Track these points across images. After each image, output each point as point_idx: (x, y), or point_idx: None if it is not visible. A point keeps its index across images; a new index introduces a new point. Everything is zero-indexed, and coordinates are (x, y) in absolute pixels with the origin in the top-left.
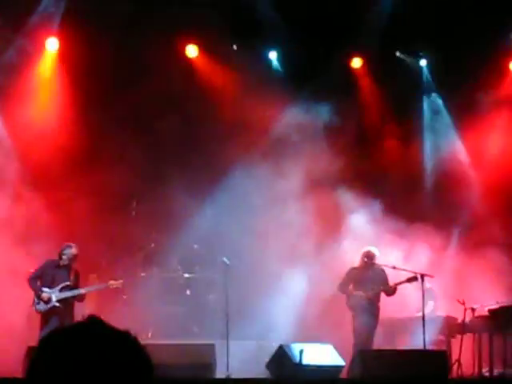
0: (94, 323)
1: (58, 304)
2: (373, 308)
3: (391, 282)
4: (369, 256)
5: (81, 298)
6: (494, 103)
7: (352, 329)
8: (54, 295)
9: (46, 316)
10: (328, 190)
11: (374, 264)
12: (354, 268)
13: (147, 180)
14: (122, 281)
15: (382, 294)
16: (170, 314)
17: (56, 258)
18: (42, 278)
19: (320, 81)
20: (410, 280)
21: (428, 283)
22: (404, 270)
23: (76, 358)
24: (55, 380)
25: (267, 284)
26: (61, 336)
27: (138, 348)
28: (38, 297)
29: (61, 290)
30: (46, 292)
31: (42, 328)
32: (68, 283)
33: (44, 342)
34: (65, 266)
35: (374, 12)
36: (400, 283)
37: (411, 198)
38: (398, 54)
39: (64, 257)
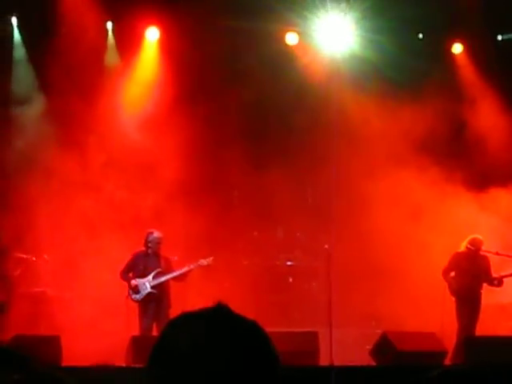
0: (221, 309)
1: (153, 290)
2: (475, 296)
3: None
4: (475, 243)
5: (181, 279)
6: None
7: (455, 315)
8: (147, 283)
9: (143, 304)
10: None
11: (479, 253)
12: (458, 253)
13: (249, 169)
14: (212, 258)
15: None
16: (273, 302)
17: (142, 248)
18: (133, 271)
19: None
20: None
21: None
22: (508, 256)
23: (201, 343)
24: (179, 366)
25: (371, 271)
26: (189, 321)
27: (264, 336)
28: (132, 287)
29: (154, 277)
30: (140, 281)
31: (141, 317)
32: (159, 269)
33: (170, 327)
34: (153, 253)
35: None
36: (504, 276)
37: None
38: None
39: (150, 244)
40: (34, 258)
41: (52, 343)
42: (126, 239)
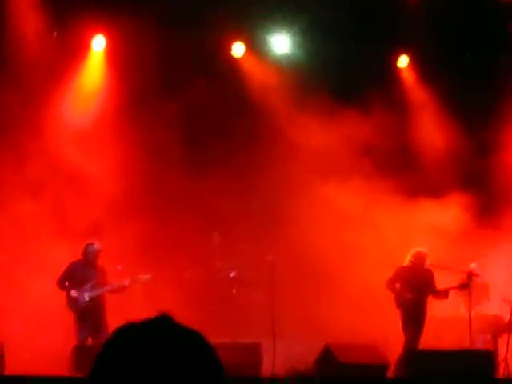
0: (164, 320)
1: (90, 302)
2: (419, 309)
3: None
4: (418, 257)
5: (119, 291)
6: None
7: (401, 327)
8: (86, 294)
9: (80, 315)
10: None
11: (423, 266)
12: (402, 267)
13: (191, 179)
14: (151, 274)
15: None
16: (217, 313)
17: (80, 257)
18: (70, 280)
19: None
20: (461, 287)
21: (480, 276)
22: (449, 268)
23: (145, 353)
24: (123, 376)
25: (314, 281)
26: (132, 331)
27: (209, 346)
28: (71, 297)
29: (91, 288)
30: (78, 292)
31: (78, 327)
32: (95, 281)
33: (113, 337)
34: (90, 263)
35: None
36: (450, 288)
37: None
38: None
39: (88, 255)
40: None
41: None
42: (64, 248)
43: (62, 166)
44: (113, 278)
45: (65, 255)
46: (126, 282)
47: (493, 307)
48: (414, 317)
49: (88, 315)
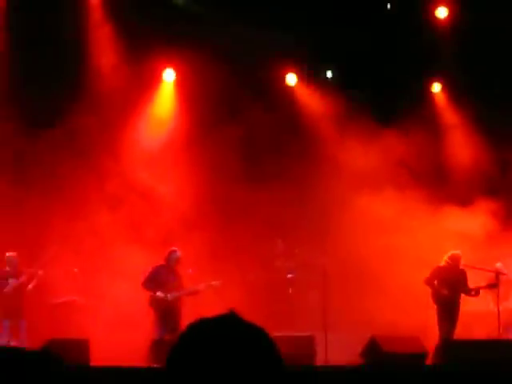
0: (233, 316)
1: (171, 302)
2: (454, 305)
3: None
4: (454, 258)
5: (193, 294)
6: None
7: (437, 321)
8: (169, 295)
9: (162, 313)
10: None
11: (458, 267)
12: (439, 267)
13: (251, 192)
14: (220, 281)
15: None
16: (276, 310)
17: (162, 262)
18: (154, 282)
19: None
20: (490, 286)
21: (508, 273)
22: (480, 269)
23: (214, 344)
24: (195, 363)
25: (359, 281)
26: (205, 325)
27: (270, 340)
28: (154, 297)
29: (173, 291)
30: (161, 293)
31: (159, 324)
32: (177, 284)
33: (188, 330)
34: (171, 268)
35: None
36: (481, 287)
37: None
38: None
39: (170, 261)
40: (40, 272)
41: (82, 346)
42: (139, 255)
43: (137, 184)
44: (186, 282)
45: (140, 261)
46: (201, 287)
47: None
48: (449, 311)
49: (168, 314)
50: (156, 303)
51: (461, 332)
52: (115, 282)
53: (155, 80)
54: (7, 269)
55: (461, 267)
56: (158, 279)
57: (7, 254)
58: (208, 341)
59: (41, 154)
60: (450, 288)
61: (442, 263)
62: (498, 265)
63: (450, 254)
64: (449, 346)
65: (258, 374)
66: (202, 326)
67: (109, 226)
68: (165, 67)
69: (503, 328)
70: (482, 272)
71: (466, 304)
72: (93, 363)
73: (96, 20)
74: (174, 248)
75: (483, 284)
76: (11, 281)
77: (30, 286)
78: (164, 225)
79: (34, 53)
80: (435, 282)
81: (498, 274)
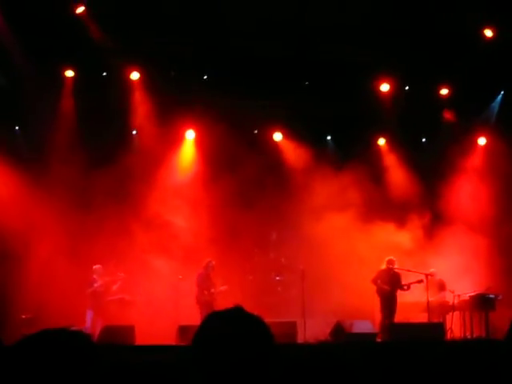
0: (238, 309)
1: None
2: (392, 297)
3: (405, 281)
4: (390, 262)
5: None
6: None
7: (379, 309)
8: (208, 293)
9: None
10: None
11: (393, 268)
12: (381, 270)
13: (246, 216)
14: (227, 286)
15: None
16: (268, 303)
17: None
18: (200, 285)
19: None
20: (417, 282)
21: (438, 276)
22: (410, 270)
23: (229, 330)
24: (212, 343)
25: (330, 281)
26: (219, 316)
27: (265, 325)
28: (201, 296)
29: (212, 290)
30: (207, 293)
31: (202, 313)
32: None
33: (207, 319)
34: (209, 274)
35: None
36: (410, 283)
37: None
38: None
39: (209, 268)
40: (123, 275)
41: (129, 331)
42: (168, 264)
43: (166, 212)
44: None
45: (167, 268)
46: (223, 288)
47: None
48: (388, 302)
49: (209, 307)
50: (202, 300)
51: (401, 317)
52: (151, 283)
53: (180, 138)
54: (94, 277)
55: (395, 269)
56: (202, 283)
57: (94, 267)
58: (221, 327)
59: (98, 189)
60: (389, 285)
61: (383, 266)
62: (432, 270)
63: (387, 259)
64: (393, 327)
65: (258, 349)
66: (216, 317)
67: (145, 243)
68: (187, 128)
69: (431, 314)
70: (416, 274)
71: (406, 297)
72: (137, 343)
73: (136, 94)
74: (209, 259)
75: (413, 281)
76: (96, 284)
77: (115, 287)
78: (185, 242)
79: (94, 116)
80: (379, 281)
81: (427, 275)
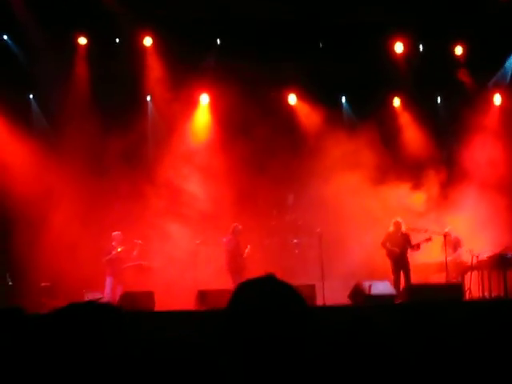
0: (270, 276)
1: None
2: (403, 259)
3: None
4: (397, 225)
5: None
6: None
7: (391, 271)
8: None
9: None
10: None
11: (400, 230)
12: (389, 232)
13: (262, 178)
14: (249, 247)
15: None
16: (286, 266)
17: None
18: (228, 252)
19: None
20: (426, 240)
21: (454, 234)
22: (417, 230)
23: (260, 295)
24: (248, 310)
25: (347, 243)
26: (253, 284)
27: (293, 288)
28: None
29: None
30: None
31: (235, 280)
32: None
33: (240, 289)
34: (237, 238)
35: None
36: (419, 243)
37: None
38: None
39: (236, 233)
40: (141, 242)
41: (149, 296)
42: (183, 230)
43: (180, 178)
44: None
45: (182, 234)
46: (248, 250)
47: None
48: (399, 264)
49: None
50: (234, 266)
51: (419, 278)
52: (168, 249)
53: (194, 103)
54: (114, 244)
55: (403, 230)
56: (231, 247)
57: (113, 233)
58: (255, 294)
59: (112, 155)
60: (398, 246)
61: (391, 229)
62: (447, 228)
63: (394, 221)
64: (411, 288)
65: (289, 310)
66: (250, 285)
67: (161, 209)
68: (201, 93)
69: (449, 274)
70: (433, 233)
71: (423, 258)
72: (157, 309)
73: (149, 60)
74: (235, 224)
75: (422, 239)
76: (114, 251)
77: (135, 253)
78: (201, 207)
79: (107, 83)
80: (387, 244)
81: (445, 235)
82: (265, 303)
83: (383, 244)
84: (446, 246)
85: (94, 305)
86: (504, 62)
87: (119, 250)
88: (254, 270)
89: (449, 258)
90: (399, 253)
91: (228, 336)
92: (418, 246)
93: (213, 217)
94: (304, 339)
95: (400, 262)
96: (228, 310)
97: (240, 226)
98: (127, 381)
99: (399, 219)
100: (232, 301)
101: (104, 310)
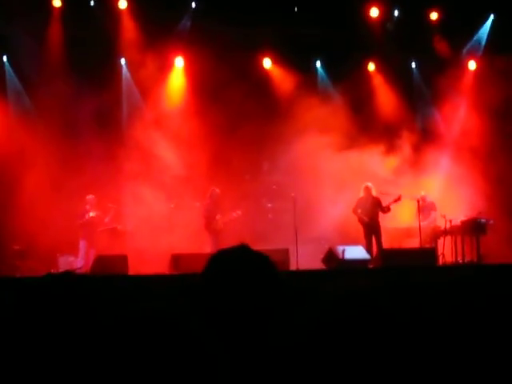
0: (243, 247)
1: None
2: (374, 223)
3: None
4: (367, 189)
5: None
6: None
7: (363, 237)
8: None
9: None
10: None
11: (371, 194)
12: (360, 198)
13: (242, 150)
14: (240, 212)
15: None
16: (260, 230)
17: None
18: (208, 215)
19: None
20: (395, 201)
21: (429, 199)
22: (387, 193)
23: (234, 263)
24: (222, 275)
25: (321, 207)
26: (226, 253)
27: (266, 257)
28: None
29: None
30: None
31: (213, 242)
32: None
33: (217, 255)
34: (215, 203)
35: None
36: (389, 204)
37: None
38: None
39: (214, 197)
40: (114, 206)
41: (122, 260)
42: (157, 193)
43: (153, 140)
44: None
45: (156, 196)
46: (235, 214)
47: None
48: (370, 230)
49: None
50: (212, 228)
51: (393, 243)
52: (142, 213)
53: (169, 66)
54: (87, 207)
55: (374, 195)
56: (209, 212)
57: (87, 197)
58: (229, 261)
59: (86, 118)
60: (368, 212)
61: (361, 194)
62: (422, 193)
63: (363, 186)
64: (384, 253)
65: (261, 276)
66: (224, 254)
67: (134, 173)
68: (176, 55)
69: (423, 239)
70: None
71: (397, 223)
72: (130, 273)
73: (124, 23)
74: (213, 187)
75: (390, 201)
76: (87, 215)
77: (107, 219)
78: (175, 172)
79: (82, 46)
80: (358, 211)
81: (417, 200)
82: (238, 273)
83: (354, 210)
84: (419, 210)
85: (69, 275)
86: (479, 28)
87: (92, 214)
88: (229, 235)
89: (423, 223)
90: (368, 221)
91: (201, 304)
92: (388, 208)
93: (186, 181)
94: (274, 309)
95: (371, 228)
96: (202, 278)
97: (217, 190)
98: (98, 351)
99: (369, 184)
100: (206, 270)
101: (80, 281)
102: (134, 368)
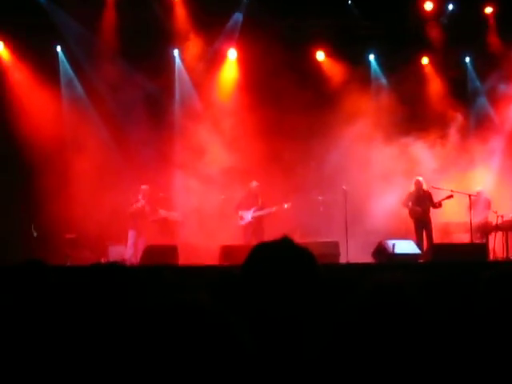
0: (285, 239)
1: (252, 220)
2: (425, 218)
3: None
4: (417, 183)
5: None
6: None
7: (414, 232)
8: (249, 215)
9: (246, 227)
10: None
11: (422, 189)
12: (410, 192)
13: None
14: (290, 203)
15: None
16: (311, 223)
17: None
18: (241, 206)
19: None
20: (447, 197)
21: (484, 195)
22: (440, 188)
23: (276, 255)
24: (263, 269)
25: (371, 200)
26: (266, 246)
27: (308, 251)
28: (240, 216)
29: (254, 211)
30: (244, 213)
31: (245, 235)
32: (256, 207)
33: (258, 248)
34: (253, 195)
35: None
36: (441, 200)
37: None
38: None
39: (252, 189)
40: (165, 196)
41: (172, 251)
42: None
43: (208, 131)
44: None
45: (205, 188)
46: (274, 209)
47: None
48: (422, 223)
49: (251, 227)
50: (240, 220)
51: (444, 238)
52: (194, 204)
53: (222, 58)
54: (140, 197)
55: (425, 189)
56: (244, 203)
57: (142, 187)
58: (269, 253)
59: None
60: (419, 206)
61: (411, 188)
62: (478, 188)
63: (414, 180)
64: (434, 248)
65: (303, 272)
66: (266, 247)
67: (186, 165)
68: (229, 47)
69: (474, 235)
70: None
71: (450, 217)
72: (180, 263)
73: (177, 13)
74: (253, 181)
75: (443, 197)
76: (136, 205)
77: (160, 210)
78: (227, 164)
79: (135, 36)
80: (409, 204)
81: (476, 195)
82: (276, 267)
83: (404, 203)
84: (471, 206)
85: (115, 267)
86: None
87: (140, 205)
88: (279, 227)
89: (476, 219)
90: (421, 212)
91: (240, 297)
92: (439, 204)
93: (237, 173)
94: (310, 305)
95: (422, 221)
96: (241, 270)
97: (254, 183)
98: (132, 342)
99: (420, 178)
100: (245, 262)
101: (124, 273)
102: (172, 358)
